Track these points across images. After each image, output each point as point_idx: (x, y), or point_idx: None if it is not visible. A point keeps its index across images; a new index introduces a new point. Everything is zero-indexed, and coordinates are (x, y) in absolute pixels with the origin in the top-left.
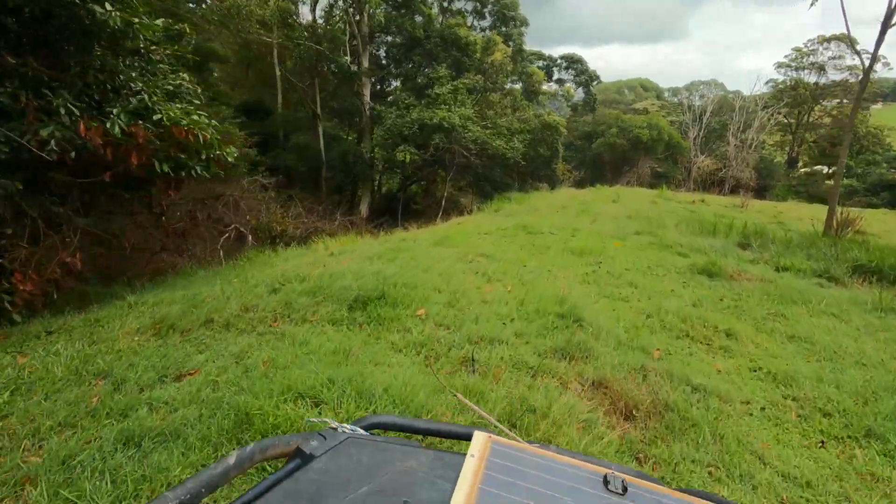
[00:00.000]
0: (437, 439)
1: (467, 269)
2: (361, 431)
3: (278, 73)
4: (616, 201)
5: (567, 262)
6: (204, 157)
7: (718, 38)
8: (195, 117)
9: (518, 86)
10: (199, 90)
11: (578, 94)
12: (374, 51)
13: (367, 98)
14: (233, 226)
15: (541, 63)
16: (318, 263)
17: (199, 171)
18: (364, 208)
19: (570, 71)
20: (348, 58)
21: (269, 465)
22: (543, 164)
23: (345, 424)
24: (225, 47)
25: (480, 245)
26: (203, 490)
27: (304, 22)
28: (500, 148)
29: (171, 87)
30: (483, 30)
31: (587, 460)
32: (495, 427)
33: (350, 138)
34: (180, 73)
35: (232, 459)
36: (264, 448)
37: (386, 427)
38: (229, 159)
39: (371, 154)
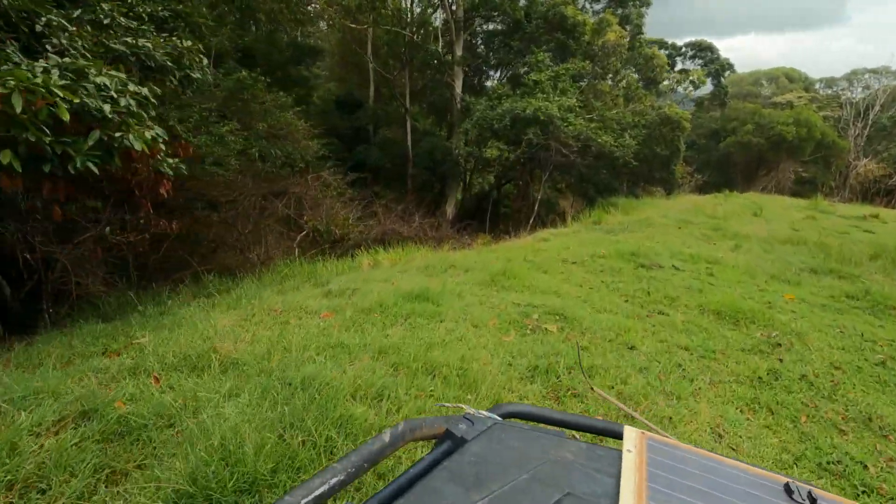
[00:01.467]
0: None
1: (515, 356)
2: (498, 418)
3: (371, 64)
4: (758, 215)
5: (710, 341)
6: (91, 143)
7: (882, 19)
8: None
9: (635, 75)
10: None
11: (704, 88)
12: (468, 38)
13: (459, 90)
14: (306, 227)
15: (663, 52)
16: (297, 309)
17: (78, 165)
18: (450, 209)
19: (697, 60)
20: (440, 45)
21: None
22: (660, 164)
23: (481, 411)
24: (323, 41)
25: (560, 288)
26: (365, 464)
27: (392, 6)
28: (606, 144)
29: (122, 49)
30: (596, 13)
31: (754, 467)
32: (643, 425)
33: (441, 133)
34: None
35: (387, 437)
36: (414, 428)
37: (522, 416)
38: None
39: (458, 150)
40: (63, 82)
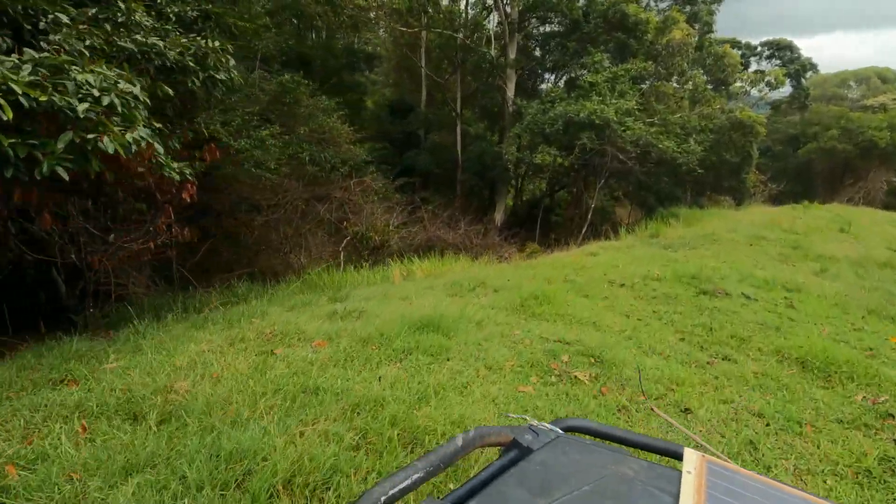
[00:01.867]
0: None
1: (528, 417)
2: (560, 432)
3: (423, 69)
4: (846, 231)
5: (793, 405)
6: (62, 145)
7: None
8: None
9: (703, 76)
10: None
11: (781, 90)
12: (522, 41)
13: (511, 93)
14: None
15: (735, 51)
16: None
17: (45, 170)
18: (498, 216)
19: (774, 61)
20: (492, 48)
21: None
22: (729, 172)
23: (543, 423)
24: (380, 48)
25: (601, 318)
26: (441, 464)
27: (444, 9)
28: (668, 150)
29: (130, 47)
30: (661, 11)
31: (818, 497)
32: (704, 448)
33: (492, 138)
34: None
35: (460, 442)
36: (484, 435)
37: (583, 431)
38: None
39: (507, 156)
40: (31, 78)
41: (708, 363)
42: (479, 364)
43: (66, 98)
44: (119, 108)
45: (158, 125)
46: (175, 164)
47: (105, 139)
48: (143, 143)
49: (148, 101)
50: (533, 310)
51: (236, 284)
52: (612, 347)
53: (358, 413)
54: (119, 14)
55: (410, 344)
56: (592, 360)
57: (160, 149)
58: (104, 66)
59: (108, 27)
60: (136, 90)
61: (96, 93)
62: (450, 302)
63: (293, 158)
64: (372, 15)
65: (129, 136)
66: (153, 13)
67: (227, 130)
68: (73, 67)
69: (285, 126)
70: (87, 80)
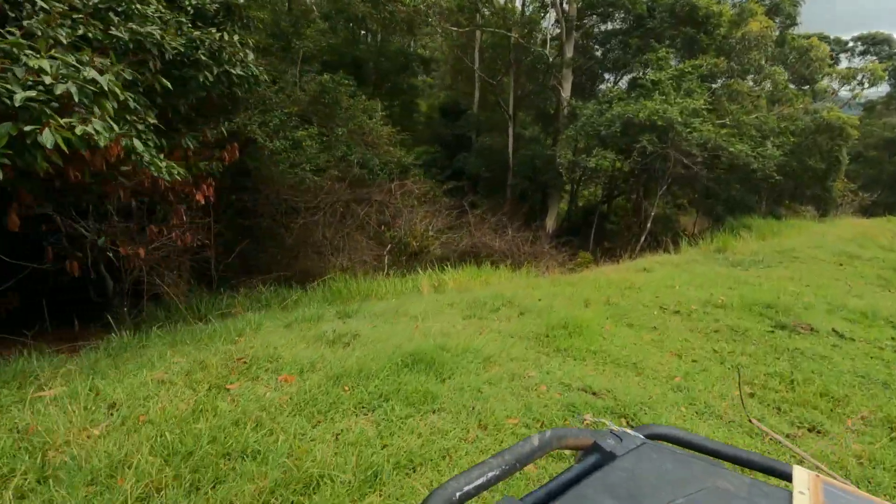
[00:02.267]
0: None
1: None
2: (645, 439)
3: (476, 70)
4: None
5: None
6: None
7: None
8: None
9: (784, 73)
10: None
11: (875, 90)
12: (580, 40)
13: (567, 94)
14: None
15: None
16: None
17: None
18: (550, 222)
19: (868, 57)
20: (547, 47)
21: None
22: (812, 179)
23: (625, 429)
24: (436, 51)
25: (644, 357)
26: (517, 464)
27: (498, 5)
28: (741, 154)
29: (121, 36)
30: (736, 3)
31: None
32: (818, 470)
33: (547, 141)
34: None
35: (536, 442)
36: (561, 437)
37: (669, 440)
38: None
39: (560, 159)
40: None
41: (788, 436)
42: (472, 420)
43: (5, 85)
44: (76, 98)
45: (153, 121)
46: (163, 163)
47: (45, 132)
48: (104, 138)
49: (119, 91)
50: (559, 343)
51: (261, 289)
52: (653, 404)
53: (276, 496)
54: (121, 3)
55: (390, 386)
56: (625, 423)
57: (138, 145)
58: (68, 53)
59: (111, 16)
60: (103, 79)
61: (49, 80)
62: (462, 326)
63: (342, 160)
64: (427, 17)
65: (79, 130)
66: (166, 4)
67: (265, 131)
68: (28, 52)
69: (324, 127)
70: (40, 67)
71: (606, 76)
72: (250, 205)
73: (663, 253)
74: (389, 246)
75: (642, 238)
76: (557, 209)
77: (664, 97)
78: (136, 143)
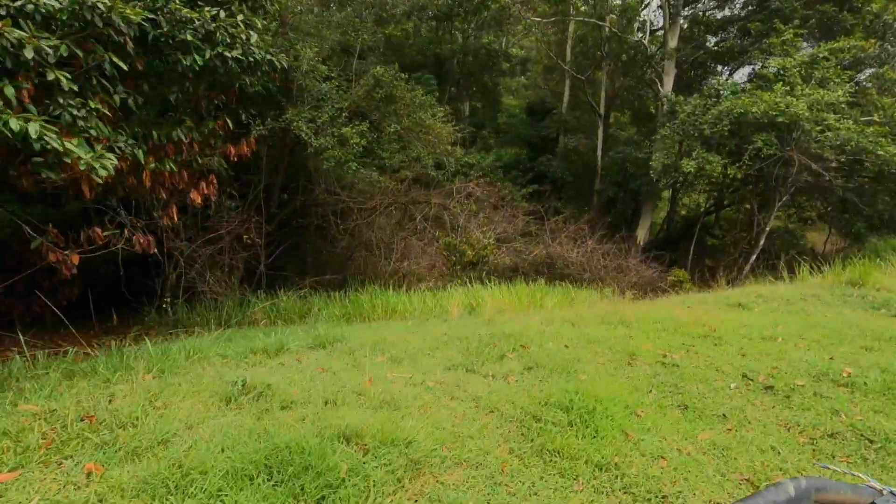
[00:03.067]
0: None
1: None
2: None
3: (566, 67)
4: None
5: None
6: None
7: None
8: None
9: None
10: None
11: None
12: (685, 28)
13: (668, 89)
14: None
15: None
16: None
17: None
18: (642, 233)
19: None
20: (646, 36)
21: None
22: None
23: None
24: (524, 50)
25: (696, 480)
26: None
27: None
28: (893, 159)
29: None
30: None
31: None
32: None
33: (644, 143)
34: None
35: (791, 491)
36: (819, 488)
37: None
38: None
39: (653, 163)
40: None
41: None
42: None
43: None
44: None
45: (97, 105)
46: (91, 154)
47: None
48: None
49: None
50: (551, 437)
51: (283, 296)
52: None
53: None
54: None
55: None
56: None
57: (34, 131)
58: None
59: None
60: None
61: None
62: (434, 383)
63: (416, 160)
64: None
65: None
66: None
67: (311, 127)
68: None
69: (374, 123)
70: None
71: (719, 68)
72: (299, 203)
73: (774, 280)
74: (447, 254)
75: (752, 257)
76: (651, 219)
77: (788, 88)
78: (32, 127)
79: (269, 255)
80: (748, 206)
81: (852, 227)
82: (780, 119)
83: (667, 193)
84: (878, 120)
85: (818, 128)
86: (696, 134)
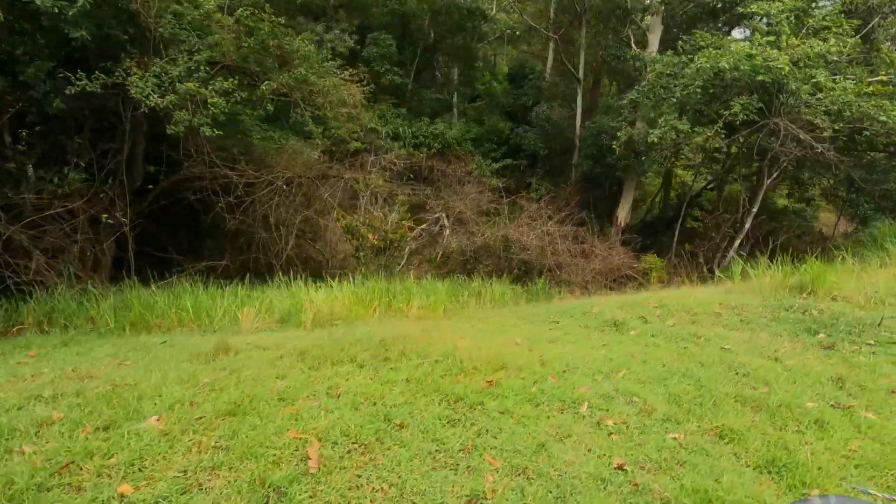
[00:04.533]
0: None
1: None
2: None
3: (543, 27)
4: None
5: None
6: None
7: None
8: None
9: None
10: None
11: None
12: None
13: (653, 49)
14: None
15: None
16: None
17: None
18: (622, 214)
19: None
20: None
21: None
22: None
23: None
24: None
25: None
26: None
27: None
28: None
29: None
30: None
31: None
32: None
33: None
34: None
35: None
36: None
37: None
38: None
39: (621, 133)
40: None
41: None
42: None
43: None
44: None
45: None
46: None
47: None
48: None
49: None
50: None
51: (134, 289)
52: None
53: None
54: None
55: None
56: None
57: None
58: None
59: None
60: None
61: None
62: None
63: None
64: None
65: None
66: None
67: (154, 84)
68: None
69: (253, 78)
70: None
71: (718, 27)
72: (176, 178)
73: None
74: (350, 238)
75: (737, 242)
76: (633, 197)
77: (773, 39)
78: None
79: (141, 237)
80: (736, 185)
81: (856, 206)
82: (760, 78)
83: (655, 167)
84: (883, 78)
85: (808, 88)
86: (669, 98)
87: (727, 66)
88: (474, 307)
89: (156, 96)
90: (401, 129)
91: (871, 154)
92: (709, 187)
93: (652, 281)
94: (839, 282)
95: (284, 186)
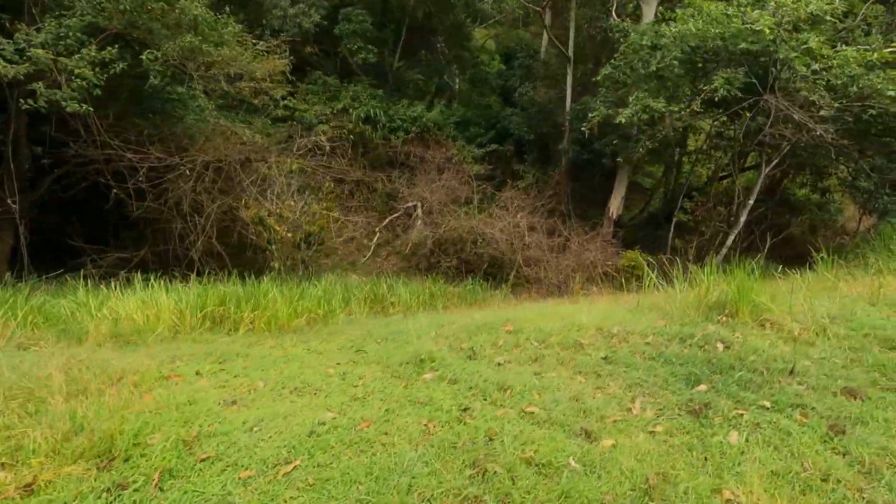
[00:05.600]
0: None
1: None
2: None
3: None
4: None
5: None
6: None
7: None
8: None
9: None
10: None
11: None
12: None
13: (649, 19)
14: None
15: None
16: None
17: None
18: (614, 205)
19: None
20: None
21: None
22: None
23: None
24: None
25: None
26: None
27: None
28: None
29: None
30: None
31: None
32: None
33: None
34: None
35: None
36: None
37: None
38: None
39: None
40: None
41: None
42: None
43: None
44: None
45: None
46: None
47: None
48: None
49: None
50: None
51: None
52: None
53: None
54: None
55: None
56: None
57: None
58: None
59: None
60: None
61: None
62: None
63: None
64: None
65: None
66: None
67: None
68: None
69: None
70: None
71: None
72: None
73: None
74: (262, 230)
75: (730, 237)
76: (626, 187)
77: (759, 2)
78: None
79: (42, 227)
80: (751, 174)
81: (876, 199)
82: (743, 46)
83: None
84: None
85: (801, 58)
86: (649, 73)
87: (693, 31)
88: (343, 319)
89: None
90: (373, 111)
91: (887, 139)
92: (719, 177)
93: (636, 280)
94: (774, 300)
95: (204, 171)
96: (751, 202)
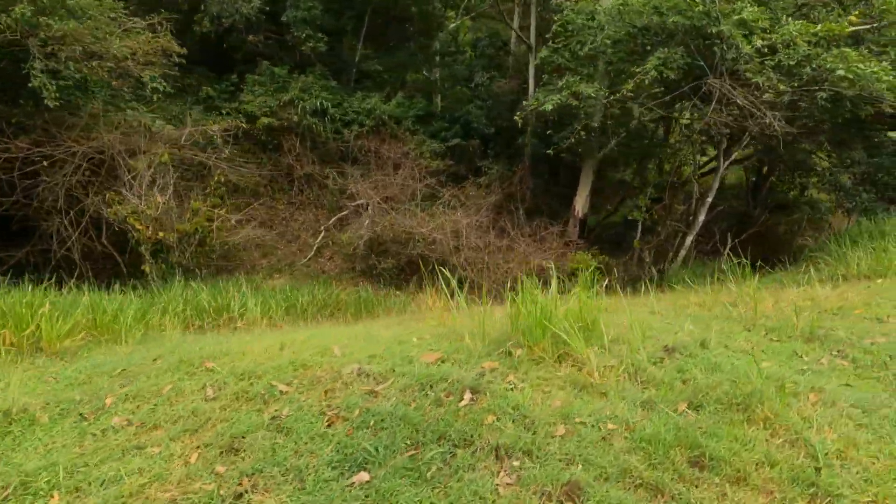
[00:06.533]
0: None
1: None
2: None
3: None
4: None
5: None
6: None
7: None
8: None
9: None
10: None
11: None
12: None
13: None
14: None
15: None
16: None
17: None
18: (580, 202)
19: None
20: None
21: None
22: None
23: None
24: None
25: None
26: None
27: None
28: (880, 89)
29: None
30: None
31: None
32: None
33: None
34: None
35: None
36: None
37: None
38: None
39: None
40: None
41: None
42: None
43: None
44: None
45: None
46: None
47: None
48: None
49: None
50: None
51: None
52: None
53: None
54: None
55: None
56: None
57: None
58: None
59: None
60: None
61: None
62: None
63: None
64: None
65: None
66: None
67: None
68: None
69: None
70: None
71: None
72: None
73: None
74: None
75: (689, 238)
76: (591, 183)
77: None
78: None
79: None
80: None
81: (855, 197)
82: (674, 20)
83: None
84: (854, 18)
85: (738, 31)
86: (583, 54)
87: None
88: (136, 339)
89: None
90: (322, 103)
91: (869, 131)
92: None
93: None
94: (609, 326)
95: (82, 163)
96: (709, 200)
